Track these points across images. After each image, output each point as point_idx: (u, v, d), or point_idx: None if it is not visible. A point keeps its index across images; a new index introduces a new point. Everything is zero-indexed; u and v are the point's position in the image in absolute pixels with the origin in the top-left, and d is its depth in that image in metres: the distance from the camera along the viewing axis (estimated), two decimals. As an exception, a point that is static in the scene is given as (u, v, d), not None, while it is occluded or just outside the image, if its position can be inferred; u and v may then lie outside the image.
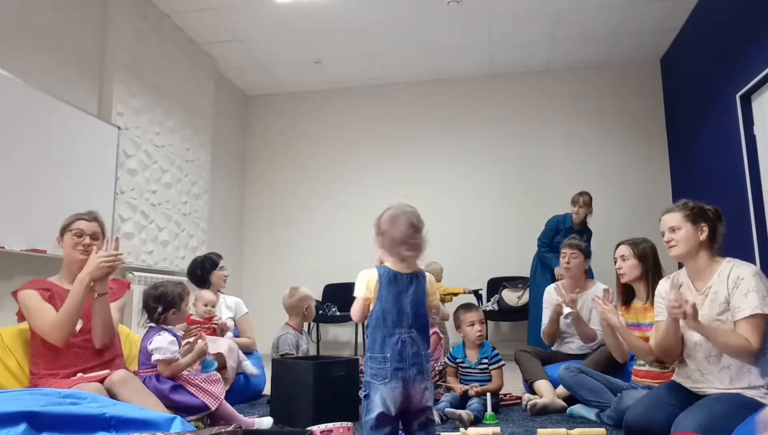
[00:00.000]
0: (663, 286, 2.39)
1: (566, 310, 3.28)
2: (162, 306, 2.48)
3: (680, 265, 2.39)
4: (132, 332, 3.00)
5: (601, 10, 5.27)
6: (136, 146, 4.82)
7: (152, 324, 2.47)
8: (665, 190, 6.11)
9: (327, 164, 6.92)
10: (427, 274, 1.86)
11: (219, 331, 3.37)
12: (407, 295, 1.78)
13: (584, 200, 5.04)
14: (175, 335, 2.44)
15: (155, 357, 2.33)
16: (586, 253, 3.50)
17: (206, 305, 3.36)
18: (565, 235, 4.87)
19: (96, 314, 2.39)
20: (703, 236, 2.19)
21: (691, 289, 2.24)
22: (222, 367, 3.06)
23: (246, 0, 5.02)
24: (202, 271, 3.64)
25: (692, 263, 2.24)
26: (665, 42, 5.94)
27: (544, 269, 5.15)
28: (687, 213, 2.22)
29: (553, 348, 3.53)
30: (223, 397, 2.43)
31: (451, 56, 6.21)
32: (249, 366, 3.33)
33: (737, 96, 4.36)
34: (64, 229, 2.48)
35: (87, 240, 2.45)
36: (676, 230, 2.22)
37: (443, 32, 5.67)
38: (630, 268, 2.80)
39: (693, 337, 2.21)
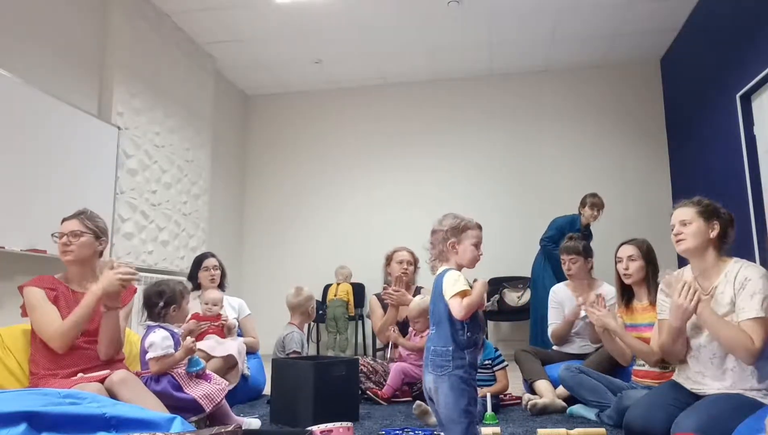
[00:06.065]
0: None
1: (582, 312, 3.24)
2: (163, 301, 2.46)
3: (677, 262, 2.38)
4: (132, 332, 2.99)
5: (601, 10, 5.27)
6: (136, 146, 4.82)
7: (150, 322, 2.45)
8: (665, 190, 6.12)
9: (327, 164, 6.92)
10: (449, 271, 1.84)
11: (226, 330, 3.35)
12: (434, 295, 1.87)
13: (601, 202, 4.86)
14: (172, 332, 2.41)
15: (149, 355, 2.31)
16: (587, 253, 3.48)
17: (206, 304, 3.33)
18: None
19: (104, 329, 2.35)
20: (714, 234, 2.15)
21: (696, 287, 2.19)
22: (232, 367, 3.10)
23: (246, 0, 5.02)
24: (191, 270, 3.70)
25: (699, 261, 2.20)
26: (665, 42, 5.94)
27: (554, 264, 4.91)
28: (700, 209, 2.18)
29: (553, 348, 3.52)
30: (218, 399, 2.40)
31: (451, 56, 6.21)
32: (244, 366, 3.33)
33: (737, 96, 4.36)
34: None
35: (64, 239, 2.41)
36: (686, 224, 2.17)
37: (443, 32, 5.67)
38: (637, 269, 2.79)
39: (697, 339, 2.18)
